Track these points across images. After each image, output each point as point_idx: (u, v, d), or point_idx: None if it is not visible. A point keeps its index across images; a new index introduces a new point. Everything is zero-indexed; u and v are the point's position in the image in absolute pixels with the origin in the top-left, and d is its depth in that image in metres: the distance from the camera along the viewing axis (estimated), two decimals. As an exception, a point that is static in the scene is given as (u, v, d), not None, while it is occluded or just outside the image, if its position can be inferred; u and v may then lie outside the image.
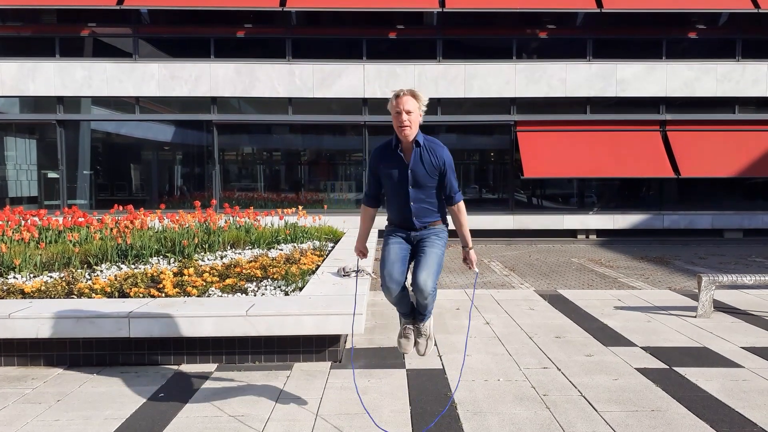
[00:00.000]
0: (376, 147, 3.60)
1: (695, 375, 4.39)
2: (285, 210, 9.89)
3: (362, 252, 3.84)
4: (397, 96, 3.36)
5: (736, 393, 4.04)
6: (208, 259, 6.88)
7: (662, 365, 4.62)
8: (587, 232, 14.97)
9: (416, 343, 3.80)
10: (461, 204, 3.64)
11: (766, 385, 4.19)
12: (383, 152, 3.53)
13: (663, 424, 3.54)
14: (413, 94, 3.36)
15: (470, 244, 3.70)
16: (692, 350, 5.03)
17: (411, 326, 3.78)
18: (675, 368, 4.54)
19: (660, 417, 3.64)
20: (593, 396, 3.99)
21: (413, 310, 3.75)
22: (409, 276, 3.60)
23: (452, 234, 3.71)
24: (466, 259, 3.65)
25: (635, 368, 4.55)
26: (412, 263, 3.63)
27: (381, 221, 3.77)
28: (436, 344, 5.13)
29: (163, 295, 5.18)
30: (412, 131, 3.37)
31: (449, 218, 3.68)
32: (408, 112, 3.33)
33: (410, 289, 3.61)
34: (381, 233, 3.93)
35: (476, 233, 14.08)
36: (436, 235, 3.60)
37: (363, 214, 3.83)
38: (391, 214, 3.67)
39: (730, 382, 4.25)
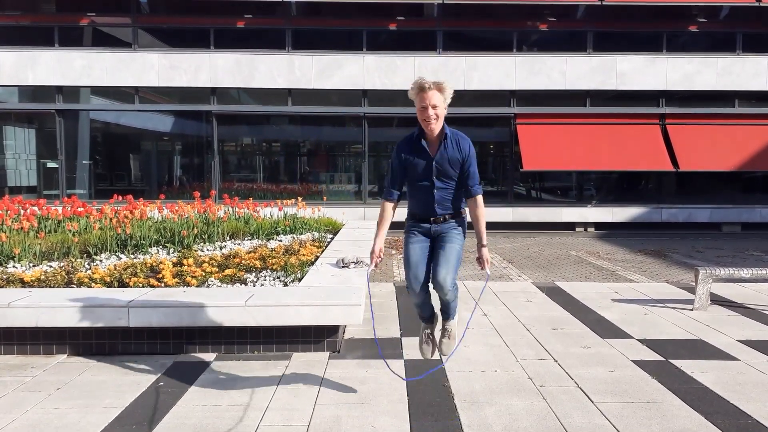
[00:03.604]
0: (400, 140, 3.50)
1: (691, 367, 4.42)
2: (284, 201, 9.89)
3: (379, 255, 3.45)
4: (422, 89, 3.25)
5: (731, 385, 4.07)
6: (208, 250, 6.89)
7: (658, 357, 4.65)
8: (586, 224, 14.99)
9: (440, 344, 3.75)
10: (480, 197, 3.54)
11: (761, 378, 4.22)
12: (408, 144, 3.45)
13: (658, 416, 3.57)
14: (439, 88, 3.25)
15: (484, 242, 3.52)
16: (688, 343, 5.06)
17: (431, 331, 3.74)
18: (671, 360, 4.58)
19: (655, 408, 3.68)
20: (590, 387, 4.02)
21: (433, 315, 3.72)
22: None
23: (469, 225, 3.67)
24: (480, 259, 3.50)
25: (632, 360, 4.58)
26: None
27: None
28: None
29: (163, 285, 5.20)
30: (437, 125, 3.32)
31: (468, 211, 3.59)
32: (434, 107, 3.26)
33: (431, 286, 3.54)
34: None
35: (475, 225, 14.17)
36: (455, 230, 3.52)
37: (383, 212, 3.51)
38: (413, 205, 3.56)
39: (726, 374, 4.29)
